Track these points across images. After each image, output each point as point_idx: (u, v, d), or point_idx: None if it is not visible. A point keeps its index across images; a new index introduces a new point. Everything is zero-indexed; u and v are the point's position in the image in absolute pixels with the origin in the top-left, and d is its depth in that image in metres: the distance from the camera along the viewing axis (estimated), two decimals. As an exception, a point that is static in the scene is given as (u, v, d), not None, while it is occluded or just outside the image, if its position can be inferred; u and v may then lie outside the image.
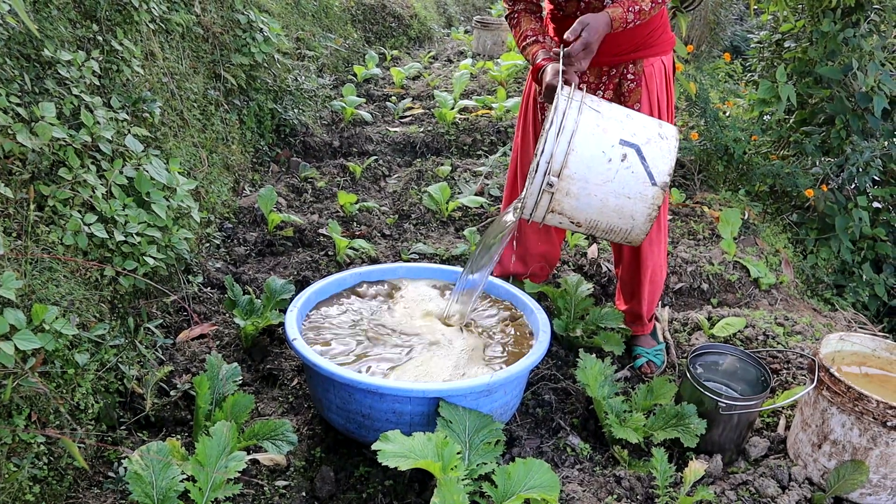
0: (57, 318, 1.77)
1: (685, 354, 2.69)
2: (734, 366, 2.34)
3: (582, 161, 1.86)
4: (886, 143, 3.75)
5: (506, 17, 2.34)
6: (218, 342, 2.52)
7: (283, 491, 1.95)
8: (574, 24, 1.96)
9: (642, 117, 1.98)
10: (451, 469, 1.72)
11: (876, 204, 3.85)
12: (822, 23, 3.74)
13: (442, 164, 4.19)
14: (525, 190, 1.93)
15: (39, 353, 1.76)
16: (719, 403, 2.10)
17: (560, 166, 1.86)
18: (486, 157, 4.37)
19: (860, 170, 3.66)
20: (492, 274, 2.68)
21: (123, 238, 2.15)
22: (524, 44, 2.21)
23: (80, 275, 2.07)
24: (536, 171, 1.87)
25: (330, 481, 1.97)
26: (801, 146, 3.92)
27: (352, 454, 2.09)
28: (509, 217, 2.12)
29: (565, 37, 1.96)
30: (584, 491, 1.95)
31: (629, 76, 2.23)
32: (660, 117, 2.30)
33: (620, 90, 2.25)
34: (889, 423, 1.88)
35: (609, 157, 1.87)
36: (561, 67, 1.94)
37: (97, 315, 2.08)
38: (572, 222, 1.97)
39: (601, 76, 2.24)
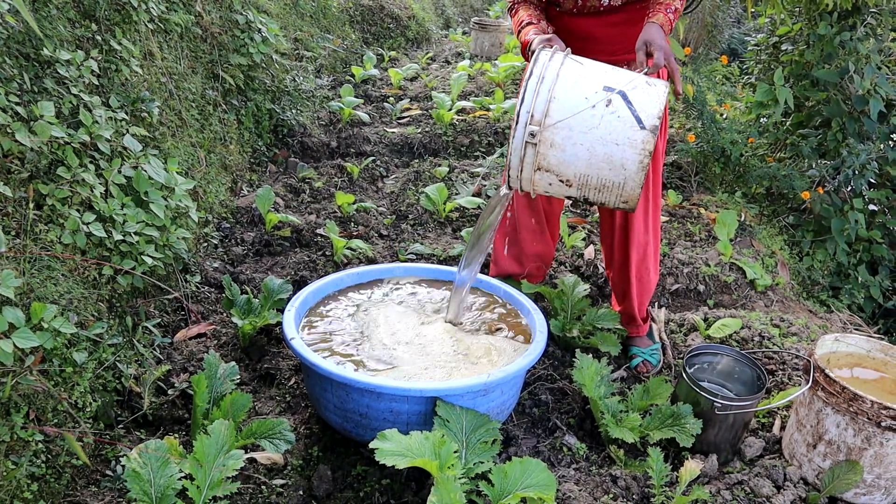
0: (55, 316, 1.77)
1: (681, 355, 2.70)
2: (730, 366, 2.35)
3: (564, 108, 1.79)
4: (882, 145, 3.77)
5: (508, 10, 2.35)
6: (216, 341, 2.53)
7: (281, 489, 1.95)
8: (638, 53, 1.97)
9: (627, 72, 1.90)
10: (448, 468, 1.72)
11: (872, 206, 3.87)
12: (818, 26, 3.75)
13: (439, 165, 4.20)
14: (508, 146, 1.85)
15: (38, 351, 1.76)
16: (715, 404, 2.11)
17: (542, 115, 1.78)
18: (484, 158, 4.38)
19: (856, 172, 3.68)
20: (488, 274, 2.69)
21: (122, 237, 2.15)
22: (520, 28, 2.20)
23: (79, 273, 2.07)
24: (518, 123, 1.80)
25: (327, 480, 1.98)
26: (798, 149, 3.93)
27: (349, 453, 2.10)
28: (503, 189, 2.06)
29: (650, 66, 1.94)
30: (580, 490, 1.96)
31: None
32: None
33: None
34: (883, 424, 1.89)
35: (593, 104, 1.79)
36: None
37: (95, 314, 2.08)
38: (562, 181, 1.87)
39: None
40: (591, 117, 1.79)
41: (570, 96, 1.80)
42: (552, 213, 2.64)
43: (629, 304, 2.57)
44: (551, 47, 1.92)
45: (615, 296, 2.66)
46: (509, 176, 1.91)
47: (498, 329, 2.28)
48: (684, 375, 2.21)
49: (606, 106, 1.79)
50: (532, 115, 1.80)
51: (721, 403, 2.11)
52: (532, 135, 1.80)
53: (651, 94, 1.81)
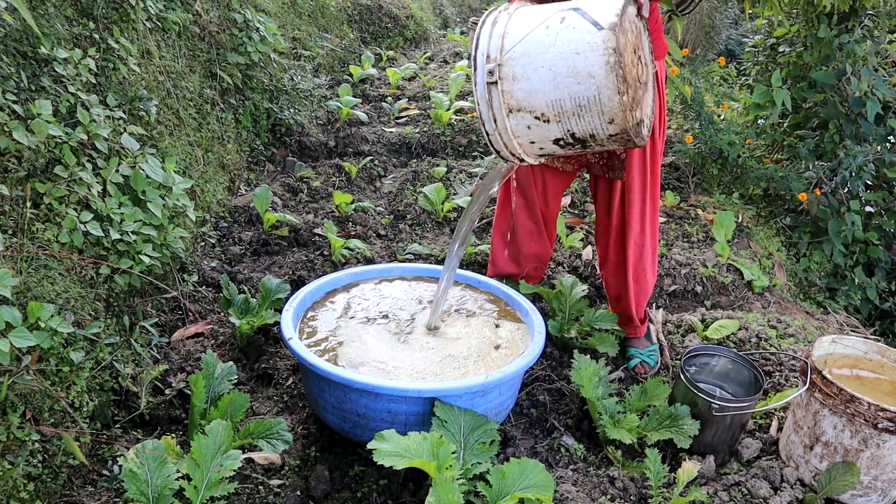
0: (52, 315, 1.77)
1: (679, 356, 2.71)
2: (727, 367, 2.36)
3: (517, 37, 1.72)
4: (879, 147, 3.78)
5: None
6: (213, 341, 2.52)
7: (278, 490, 1.95)
8: None
9: None
10: (446, 468, 1.72)
11: (868, 208, 3.88)
12: (816, 28, 3.76)
13: (437, 165, 4.20)
14: (475, 98, 1.77)
15: (35, 350, 1.76)
16: (712, 405, 2.11)
17: (497, 51, 1.71)
18: (482, 158, 4.38)
19: (853, 174, 3.69)
20: (486, 274, 2.69)
21: (119, 236, 2.15)
22: None
23: (76, 273, 2.07)
24: (476, 69, 1.73)
25: (325, 480, 1.98)
26: (795, 150, 3.94)
27: (347, 453, 2.09)
28: (502, 165, 1.99)
29: None
30: (577, 491, 1.96)
31: None
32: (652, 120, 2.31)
33: None
34: (880, 425, 1.89)
35: (546, 25, 1.71)
36: None
37: (92, 313, 2.08)
38: (537, 117, 1.74)
39: None
40: (547, 36, 1.70)
41: (524, 26, 1.73)
42: (550, 215, 2.64)
43: (626, 304, 2.57)
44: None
45: (609, 298, 2.66)
46: (488, 138, 1.81)
47: (497, 327, 2.27)
48: (682, 376, 2.21)
49: (561, 22, 1.70)
50: (488, 56, 1.72)
51: (718, 405, 2.11)
52: (490, 73, 1.71)
53: (606, 1, 1.71)
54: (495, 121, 1.76)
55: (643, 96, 1.87)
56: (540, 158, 1.94)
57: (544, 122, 1.76)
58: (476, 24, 6.66)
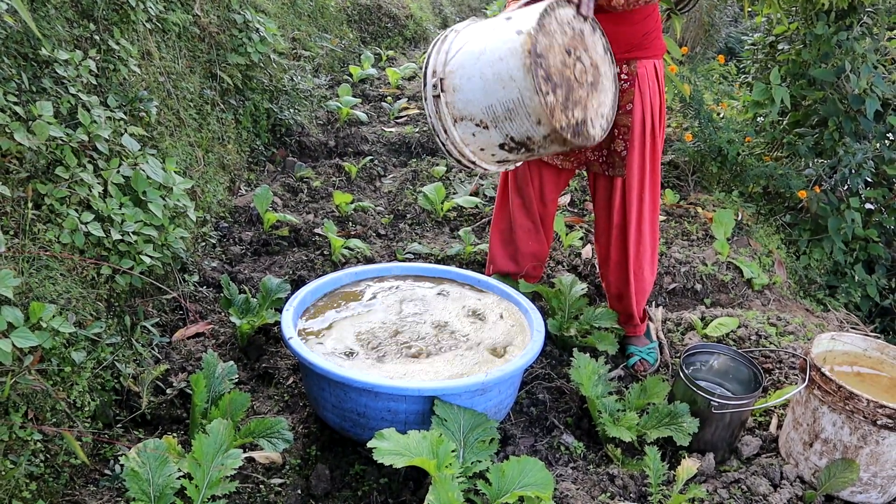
0: (54, 316, 1.78)
1: (678, 354, 2.71)
2: (727, 365, 2.36)
3: (456, 51, 1.82)
4: (879, 144, 3.78)
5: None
6: (214, 341, 2.53)
7: (279, 489, 1.96)
8: None
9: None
10: (446, 467, 1.73)
11: (868, 205, 3.88)
12: (815, 25, 3.76)
13: (437, 165, 4.21)
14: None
15: (36, 350, 1.76)
16: (712, 402, 2.12)
17: (442, 66, 1.81)
18: (482, 157, 4.38)
19: (853, 171, 3.69)
20: (485, 274, 2.70)
21: (120, 237, 2.15)
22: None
23: (77, 273, 2.07)
24: (425, 86, 1.82)
25: (325, 479, 1.98)
26: (795, 148, 3.94)
27: (347, 452, 2.10)
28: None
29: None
30: (577, 489, 1.97)
31: (622, 76, 2.24)
32: (652, 119, 2.31)
33: None
34: (879, 422, 1.90)
35: (480, 36, 1.82)
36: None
37: (94, 313, 2.08)
38: (477, 124, 1.83)
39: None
40: (478, 46, 1.79)
41: (463, 39, 1.82)
42: (546, 214, 2.64)
43: (627, 303, 2.58)
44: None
45: (609, 297, 2.66)
46: (444, 148, 1.89)
47: (496, 325, 2.28)
48: (681, 374, 2.21)
49: (492, 32, 1.79)
50: (434, 71, 1.81)
51: (718, 402, 2.11)
52: (434, 87, 1.80)
53: (534, 8, 1.78)
54: (445, 131, 1.86)
55: (586, 96, 1.90)
56: (499, 165, 2.01)
57: (484, 128, 1.84)
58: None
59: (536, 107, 1.74)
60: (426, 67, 1.84)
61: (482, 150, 1.91)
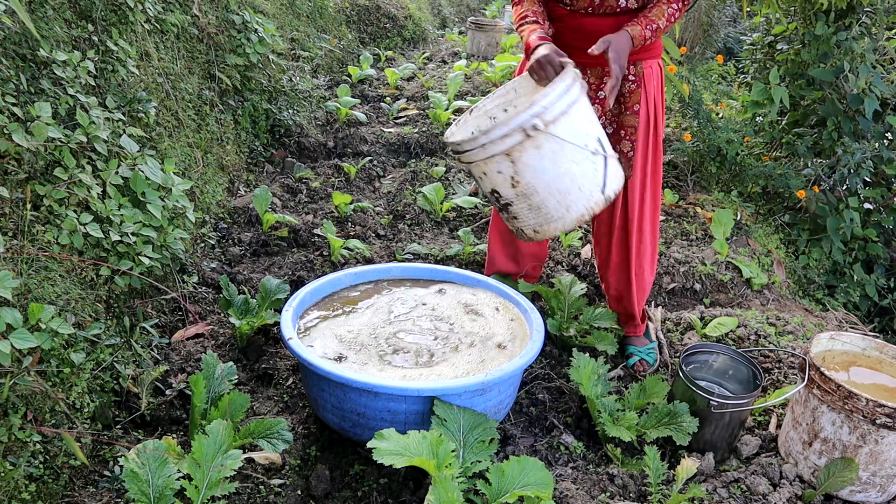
0: (53, 317, 1.77)
1: (678, 354, 2.71)
2: (726, 365, 2.36)
3: (568, 128, 1.88)
4: (877, 144, 3.78)
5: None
6: (213, 342, 2.53)
7: (279, 489, 1.96)
8: (598, 43, 2.02)
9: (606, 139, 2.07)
10: (446, 467, 1.73)
11: (867, 205, 3.88)
12: (814, 25, 3.77)
13: (436, 165, 4.21)
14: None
15: (35, 351, 1.76)
16: (711, 402, 2.12)
17: (553, 117, 1.84)
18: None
19: (851, 171, 3.69)
20: (484, 274, 2.70)
21: (119, 238, 2.15)
22: (522, 23, 2.20)
23: (76, 274, 2.07)
24: (530, 109, 1.85)
25: (325, 479, 1.98)
26: (794, 148, 3.95)
27: (347, 453, 2.10)
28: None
29: (590, 51, 2.02)
30: (577, 489, 1.97)
31: (630, 77, 2.24)
32: (656, 117, 2.33)
33: (621, 91, 2.26)
34: (878, 421, 1.90)
35: (585, 143, 1.91)
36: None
37: (93, 314, 2.08)
38: (513, 175, 1.94)
39: (602, 77, 2.26)
40: (578, 152, 1.92)
41: (575, 125, 1.90)
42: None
43: (628, 304, 2.58)
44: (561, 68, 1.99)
45: (609, 298, 2.66)
46: (479, 137, 1.92)
47: (496, 325, 2.28)
48: (681, 374, 2.22)
49: (593, 154, 1.95)
50: (546, 109, 1.84)
51: (717, 402, 2.12)
52: (535, 127, 1.84)
53: (618, 174, 2.05)
54: (495, 139, 1.92)
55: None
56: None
57: (514, 183, 1.98)
58: (474, 24, 6.66)
59: (550, 232, 2.04)
60: (544, 97, 1.84)
61: (491, 169, 2.00)
